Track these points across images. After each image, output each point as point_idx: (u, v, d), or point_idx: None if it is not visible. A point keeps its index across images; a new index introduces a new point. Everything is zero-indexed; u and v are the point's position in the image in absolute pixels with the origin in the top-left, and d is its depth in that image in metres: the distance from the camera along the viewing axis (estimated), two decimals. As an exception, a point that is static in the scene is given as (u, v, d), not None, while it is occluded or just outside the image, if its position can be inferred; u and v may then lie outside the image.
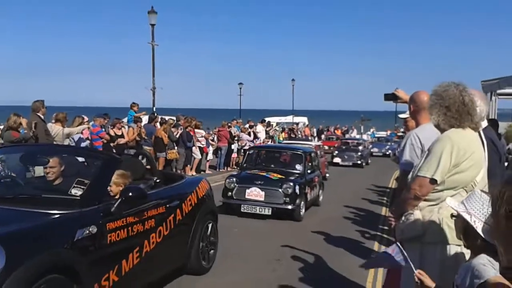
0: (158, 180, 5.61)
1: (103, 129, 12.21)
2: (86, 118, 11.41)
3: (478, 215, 2.21)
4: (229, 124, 19.01)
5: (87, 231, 3.92)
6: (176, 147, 14.08)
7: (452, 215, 2.59)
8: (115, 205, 4.27)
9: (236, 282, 6.05)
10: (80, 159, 5.54)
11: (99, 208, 4.17)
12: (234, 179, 10.27)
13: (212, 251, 6.33)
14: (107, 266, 4.17)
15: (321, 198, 12.15)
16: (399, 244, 2.86)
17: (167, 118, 15.61)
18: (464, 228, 2.31)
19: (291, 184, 9.91)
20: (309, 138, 27.95)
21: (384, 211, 11.32)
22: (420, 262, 3.06)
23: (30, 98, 9.89)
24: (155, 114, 15.55)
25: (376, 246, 8.09)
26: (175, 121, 15.39)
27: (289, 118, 39.51)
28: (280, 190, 9.81)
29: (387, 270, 4.16)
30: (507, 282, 1.93)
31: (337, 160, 23.39)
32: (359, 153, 23.84)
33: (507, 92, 16.70)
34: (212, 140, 18.48)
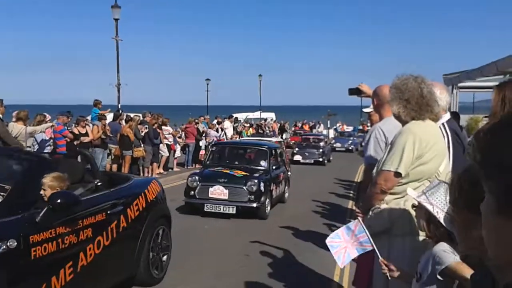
0: (99, 183, 4.94)
1: (66, 128, 11.94)
2: (48, 116, 11.12)
3: (439, 204, 2.24)
4: (196, 120, 18.88)
5: (4, 246, 3.34)
6: (142, 145, 13.90)
7: (413, 206, 2.63)
8: (40, 214, 3.69)
9: (203, 280, 6.02)
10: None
11: (22, 218, 3.62)
12: (197, 177, 9.90)
13: (165, 256, 5.83)
14: (32, 286, 3.64)
15: (286, 194, 11.95)
16: (360, 220, 2.92)
17: (132, 115, 15.37)
18: (427, 218, 2.35)
19: (256, 181, 9.60)
20: (277, 133, 28.06)
21: (350, 204, 11.46)
22: (388, 255, 3.09)
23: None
24: (120, 112, 15.30)
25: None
26: (141, 118, 15.19)
27: (256, 114, 39.57)
28: (244, 187, 9.53)
29: (356, 265, 4.19)
30: (466, 266, 1.98)
31: (297, 157, 22.02)
32: (321, 150, 22.57)
33: (468, 85, 17.13)
34: (180, 137, 18.32)
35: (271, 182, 10.23)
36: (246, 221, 9.38)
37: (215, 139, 18.99)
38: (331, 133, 39.03)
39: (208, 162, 11.26)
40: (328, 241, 2.96)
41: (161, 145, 15.22)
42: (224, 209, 9.46)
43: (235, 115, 27.10)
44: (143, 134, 13.91)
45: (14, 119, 9.77)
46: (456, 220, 1.54)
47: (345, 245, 2.91)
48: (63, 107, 12.77)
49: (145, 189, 5.51)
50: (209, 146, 13.75)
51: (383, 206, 3.22)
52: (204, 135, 18.83)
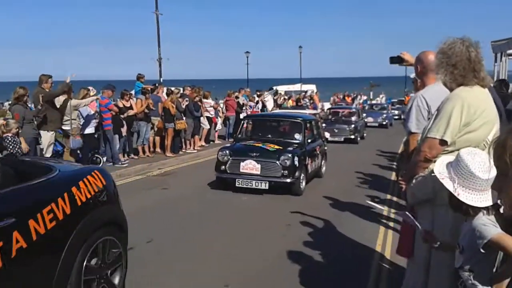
0: None
1: (111, 101, 12.21)
2: (92, 91, 11.40)
3: (463, 180, 2.25)
4: (236, 93, 18.92)
5: None
6: (184, 118, 14.08)
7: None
8: None
9: (245, 247, 6.12)
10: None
11: None
12: (227, 152, 9.48)
13: (116, 275, 4.20)
14: None
15: (324, 169, 11.44)
16: (408, 213, 2.94)
17: (173, 89, 15.55)
18: (449, 193, 2.35)
19: (289, 155, 9.10)
20: (318, 106, 27.67)
21: (393, 176, 11.30)
22: (432, 224, 3.06)
23: (35, 73, 9.91)
24: (156, 84, 15.50)
25: (385, 210, 8.12)
26: (182, 92, 15.36)
27: (297, 86, 39.23)
28: (277, 162, 9.06)
29: (400, 234, 4.18)
30: (509, 237, 1.93)
31: (325, 134, 19.46)
32: (352, 125, 19.25)
33: (518, 52, 16.37)
34: (221, 111, 18.45)
35: (306, 156, 9.74)
36: (280, 196, 9.11)
37: (253, 111, 19.01)
38: (382, 102, 35.31)
39: (239, 136, 10.87)
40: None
41: (202, 118, 15.38)
42: (257, 185, 9.08)
43: (275, 88, 26.99)
44: (184, 106, 14.08)
45: (60, 93, 10.08)
46: (501, 181, 1.49)
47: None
48: (106, 82, 13.00)
49: (74, 185, 3.79)
50: (242, 119, 13.22)
51: (427, 174, 3.14)
52: (244, 108, 18.88)
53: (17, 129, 8.22)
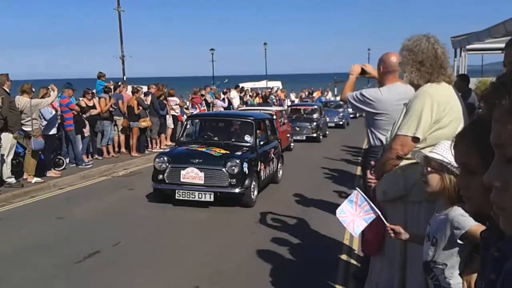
0: None
1: (73, 100, 11.91)
2: (54, 88, 11.05)
3: (449, 157, 2.17)
4: (202, 91, 18.81)
5: None
6: (148, 116, 13.88)
7: (416, 155, 2.53)
8: None
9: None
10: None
11: None
12: (165, 158, 8.19)
13: None
14: None
15: (280, 173, 10.34)
16: (359, 190, 2.92)
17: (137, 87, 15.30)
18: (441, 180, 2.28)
19: (237, 161, 7.94)
20: (283, 102, 27.78)
21: (359, 170, 11.44)
22: (405, 221, 3.06)
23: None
24: (119, 83, 15.21)
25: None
26: (147, 90, 15.15)
27: (262, 83, 39.32)
28: (223, 169, 7.88)
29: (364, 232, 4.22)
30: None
31: None
32: (314, 123, 18.32)
33: (476, 47, 16.81)
34: (187, 108, 18.29)
35: (258, 161, 8.67)
36: (229, 209, 7.92)
37: (222, 109, 18.93)
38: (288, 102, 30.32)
39: (182, 139, 9.56)
40: (338, 215, 2.97)
41: (167, 116, 15.20)
42: (200, 196, 7.85)
43: (241, 85, 26.95)
44: (147, 103, 13.85)
45: (19, 93, 9.76)
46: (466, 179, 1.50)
47: (352, 218, 2.92)
48: (66, 81, 12.65)
49: None
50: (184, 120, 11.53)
51: (399, 172, 3.16)
52: (211, 105, 18.78)
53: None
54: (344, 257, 5.75)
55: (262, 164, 8.88)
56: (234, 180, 7.86)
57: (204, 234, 6.73)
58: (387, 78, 4.12)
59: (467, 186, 1.39)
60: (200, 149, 8.47)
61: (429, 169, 2.28)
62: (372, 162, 3.50)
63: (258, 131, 9.31)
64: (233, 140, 9.18)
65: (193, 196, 7.87)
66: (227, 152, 8.29)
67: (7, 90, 9.17)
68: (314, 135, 17.99)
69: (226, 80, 15.47)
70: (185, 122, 10.15)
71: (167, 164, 8.12)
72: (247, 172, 8.02)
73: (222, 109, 18.93)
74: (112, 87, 13.94)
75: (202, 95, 18.43)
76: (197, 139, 9.55)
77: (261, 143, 9.25)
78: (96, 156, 12.71)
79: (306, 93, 35.59)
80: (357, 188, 2.97)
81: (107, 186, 10.10)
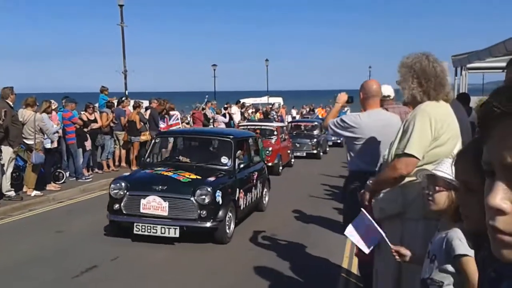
0: None
1: (76, 114, 11.96)
2: (54, 103, 11.12)
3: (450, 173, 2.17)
4: (203, 106, 18.88)
5: None
6: (148, 130, 13.91)
7: (418, 175, 2.53)
8: None
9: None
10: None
11: None
12: (123, 184, 6.86)
13: None
14: None
15: (266, 199, 9.15)
16: (364, 211, 2.96)
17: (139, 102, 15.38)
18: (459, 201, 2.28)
19: (208, 189, 6.60)
20: (284, 118, 27.85)
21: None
22: (402, 239, 3.06)
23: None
24: (122, 98, 15.27)
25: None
26: (148, 104, 15.21)
27: (264, 99, 39.43)
28: (192, 198, 6.56)
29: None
30: (474, 266, 1.94)
31: None
32: (315, 140, 18.15)
33: (477, 66, 16.87)
34: (188, 123, 18.34)
35: (236, 188, 7.38)
36: (197, 247, 6.69)
37: (223, 125, 18.96)
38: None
39: (147, 160, 8.22)
40: (346, 233, 3.05)
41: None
42: (163, 231, 6.53)
43: (242, 101, 27.04)
44: (146, 117, 13.90)
45: (23, 106, 9.81)
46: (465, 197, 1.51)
47: (359, 238, 2.98)
48: (67, 94, 12.72)
49: None
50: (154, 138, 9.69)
51: (396, 188, 3.15)
52: (212, 120, 18.82)
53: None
54: (343, 274, 5.71)
55: (241, 191, 7.56)
56: (204, 211, 6.53)
57: (162, 279, 5.55)
58: (367, 103, 4.26)
59: (466, 204, 1.39)
60: (166, 174, 7.17)
61: (436, 188, 2.28)
62: (369, 182, 3.48)
63: (240, 151, 8.16)
64: (207, 162, 7.79)
65: (155, 231, 6.55)
66: (198, 177, 6.98)
67: (11, 103, 9.21)
68: (315, 151, 17.86)
69: (207, 96, 15.02)
70: (153, 140, 8.71)
71: (125, 191, 6.80)
72: (220, 202, 6.72)
73: (223, 125, 18.94)
74: (115, 102, 13.99)
75: (203, 109, 18.48)
76: (165, 161, 8.38)
77: (242, 165, 7.89)
78: (96, 170, 12.71)
79: (307, 109, 35.65)
80: (362, 209, 2.99)
81: (107, 200, 10.05)
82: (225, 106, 21.48)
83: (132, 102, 15.01)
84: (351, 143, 4.24)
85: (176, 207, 6.63)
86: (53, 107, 10.95)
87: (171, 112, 15.87)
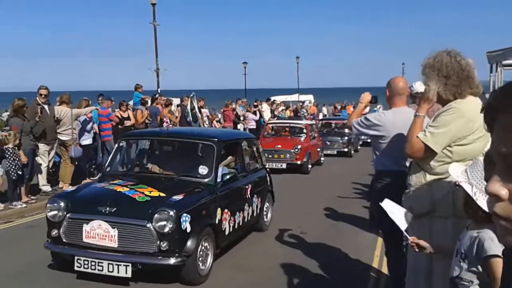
0: None
1: (112, 112, 12.23)
2: (89, 102, 11.42)
3: (480, 185, 2.14)
4: (234, 104, 19.00)
5: None
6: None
7: (455, 184, 2.56)
8: None
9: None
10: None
11: None
12: (62, 204, 5.23)
13: None
14: None
15: (268, 217, 7.63)
16: (382, 204, 3.00)
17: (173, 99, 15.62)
18: (465, 198, 2.27)
19: (171, 212, 4.87)
20: (316, 116, 27.69)
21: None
22: (430, 236, 3.06)
23: (31, 84, 9.96)
24: (156, 95, 15.50)
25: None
26: (180, 102, 15.42)
27: (294, 97, 39.32)
28: (148, 225, 4.87)
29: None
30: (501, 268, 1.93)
31: None
32: (346, 138, 17.73)
33: (513, 62, 16.46)
34: (218, 121, 18.49)
35: (216, 207, 5.67)
36: None
37: (253, 122, 19.02)
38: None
39: (107, 169, 6.50)
40: (383, 205, 3.10)
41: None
42: (110, 269, 4.88)
43: (273, 98, 27.05)
44: (178, 115, 14.08)
45: (58, 103, 10.11)
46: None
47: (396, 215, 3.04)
48: (99, 92, 13.00)
49: None
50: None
51: (425, 187, 3.15)
52: (242, 118, 18.92)
53: (17, 141, 8.35)
54: (373, 274, 5.69)
55: (225, 211, 5.89)
56: (165, 243, 4.83)
57: None
58: (393, 101, 4.21)
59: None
60: (119, 189, 5.41)
61: None
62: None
63: (230, 158, 6.75)
64: (182, 173, 6.10)
65: (100, 269, 4.90)
66: (161, 195, 5.28)
67: (44, 101, 9.49)
68: (346, 149, 17.65)
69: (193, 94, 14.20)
70: (117, 144, 6.88)
71: (64, 213, 5.18)
72: (189, 229, 5.00)
73: (253, 122, 18.96)
74: (149, 99, 14.23)
75: (234, 109, 18.59)
76: (129, 170, 6.75)
77: (228, 176, 6.05)
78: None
79: (339, 107, 35.31)
80: (381, 204, 3.03)
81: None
82: (255, 103, 21.55)
83: (163, 99, 15.24)
84: (376, 142, 4.22)
85: (128, 237, 4.92)
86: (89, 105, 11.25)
87: (202, 110, 16.04)
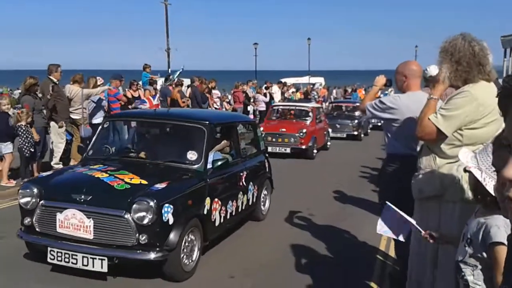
0: None
1: (120, 91, 12.26)
2: (101, 79, 11.42)
3: (489, 170, 2.10)
4: (244, 85, 18.96)
5: None
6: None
7: (465, 169, 2.57)
8: None
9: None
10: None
11: None
12: (35, 190, 4.82)
13: None
14: None
15: (266, 206, 7.19)
16: (389, 203, 3.00)
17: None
18: (475, 184, 2.26)
19: (151, 202, 4.43)
20: (325, 99, 27.56)
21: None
22: (438, 220, 3.09)
23: (43, 62, 10.01)
24: (170, 77, 15.48)
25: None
26: (191, 82, 15.42)
27: (305, 79, 39.15)
28: (126, 216, 4.44)
29: None
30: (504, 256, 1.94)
31: None
32: (356, 121, 17.58)
33: (528, 47, 16.22)
34: (228, 103, 18.49)
35: (205, 197, 5.18)
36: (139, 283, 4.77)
37: (263, 104, 18.98)
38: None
39: (90, 153, 5.99)
40: (378, 231, 3.06)
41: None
42: (85, 262, 4.49)
43: (283, 80, 26.95)
44: (188, 96, 14.07)
45: (70, 82, 10.16)
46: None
47: (391, 232, 3.03)
48: (111, 71, 12.99)
49: None
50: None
51: (435, 170, 3.17)
52: (252, 100, 18.90)
53: (30, 119, 8.45)
54: (380, 257, 5.72)
55: (216, 200, 5.42)
56: (144, 236, 4.41)
57: None
58: (407, 85, 4.18)
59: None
60: (98, 175, 4.93)
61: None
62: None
63: (224, 142, 6.47)
64: (169, 159, 5.58)
65: (74, 262, 4.53)
66: (143, 182, 4.81)
67: (55, 79, 9.53)
68: (355, 133, 17.44)
69: (183, 68, 12.84)
70: (100, 126, 6.42)
71: (37, 200, 4.78)
72: (171, 221, 4.57)
73: (263, 104, 18.90)
74: (158, 79, 14.21)
75: (244, 91, 18.55)
76: (113, 154, 6.08)
77: (220, 163, 5.56)
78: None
79: (350, 90, 35.04)
80: (387, 202, 3.02)
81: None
82: (266, 85, 21.50)
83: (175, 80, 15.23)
84: (389, 125, 4.20)
85: (104, 228, 4.50)
86: (99, 83, 11.27)
87: (213, 91, 16.02)
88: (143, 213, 4.42)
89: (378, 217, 3.10)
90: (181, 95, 13.61)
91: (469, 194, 2.94)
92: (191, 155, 5.43)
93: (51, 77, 9.49)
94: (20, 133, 8.36)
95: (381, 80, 4.55)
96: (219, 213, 5.53)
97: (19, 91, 15.56)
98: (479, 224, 2.25)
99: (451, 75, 3.10)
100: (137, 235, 4.42)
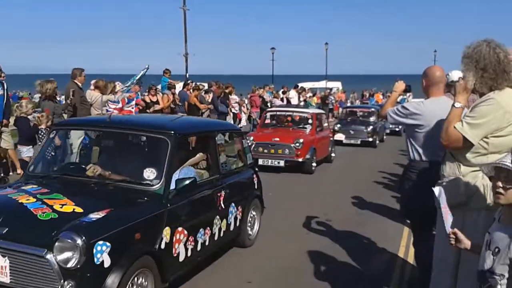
0: None
1: (139, 96, 12.36)
2: (119, 84, 11.49)
3: None
4: (261, 90, 18.96)
5: None
6: (209, 114, 14.15)
7: (490, 177, 2.51)
8: None
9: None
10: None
11: None
12: None
13: None
14: None
15: (254, 229, 6.19)
16: (438, 190, 2.93)
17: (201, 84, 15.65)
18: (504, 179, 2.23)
19: (77, 239, 3.36)
20: (342, 103, 27.43)
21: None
22: (462, 228, 3.05)
23: (60, 66, 10.12)
24: (189, 80, 15.54)
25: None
26: (208, 87, 15.47)
27: (322, 83, 39.06)
28: (48, 256, 3.36)
29: None
30: None
31: (339, 136, 16.00)
32: (370, 127, 17.05)
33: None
34: (245, 107, 18.51)
35: (162, 226, 4.13)
36: None
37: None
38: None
39: (31, 168, 4.96)
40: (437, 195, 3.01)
41: (227, 115, 15.43)
42: None
43: (300, 85, 26.92)
44: (208, 101, 14.10)
45: (92, 87, 10.25)
46: None
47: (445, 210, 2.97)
48: (129, 76, 13.03)
49: None
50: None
51: (460, 178, 3.14)
52: (269, 104, 18.89)
53: (49, 123, 8.55)
54: (399, 264, 5.66)
55: (179, 229, 4.37)
56: (70, 283, 3.36)
57: None
58: (431, 91, 4.12)
59: None
60: (22, 200, 3.90)
61: (507, 186, 2.23)
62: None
63: (199, 155, 5.44)
64: (121, 177, 4.57)
65: None
66: (76, 210, 3.75)
67: (79, 84, 9.63)
68: (370, 139, 16.78)
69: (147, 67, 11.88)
70: (46, 136, 5.69)
71: None
72: (107, 263, 3.52)
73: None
74: (178, 84, 14.24)
75: (260, 96, 18.53)
76: (53, 172, 4.98)
77: (186, 182, 4.39)
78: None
79: (367, 94, 34.87)
80: (439, 188, 2.99)
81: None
82: (283, 90, 21.47)
83: (181, 84, 15.27)
84: (412, 131, 4.12)
85: (23, 270, 3.46)
86: (118, 88, 11.35)
87: (231, 96, 16.03)
88: (68, 254, 3.36)
89: (396, 222, 3.04)
90: (200, 99, 13.63)
91: (492, 200, 2.93)
92: (149, 173, 4.36)
93: (75, 81, 9.59)
94: (40, 135, 8.48)
95: (400, 85, 4.52)
96: (185, 245, 4.44)
97: (39, 95, 15.73)
98: (506, 231, 2.21)
99: (476, 82, 3.07)
100: (62, 281, 3.35)
